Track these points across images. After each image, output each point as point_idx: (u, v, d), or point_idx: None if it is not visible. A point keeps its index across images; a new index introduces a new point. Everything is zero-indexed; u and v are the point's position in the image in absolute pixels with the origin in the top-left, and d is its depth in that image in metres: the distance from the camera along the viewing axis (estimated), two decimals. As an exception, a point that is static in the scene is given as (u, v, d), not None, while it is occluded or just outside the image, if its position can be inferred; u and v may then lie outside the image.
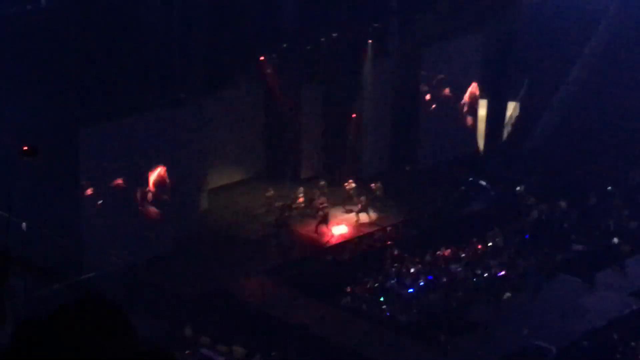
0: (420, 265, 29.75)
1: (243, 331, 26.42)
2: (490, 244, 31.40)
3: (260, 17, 31.46)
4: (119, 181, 28.19)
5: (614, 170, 35.66)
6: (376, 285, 28.74)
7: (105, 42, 27.69)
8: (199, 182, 31.33)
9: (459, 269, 29.72)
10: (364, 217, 32.34)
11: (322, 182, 32.87)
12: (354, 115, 34.50)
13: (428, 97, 35.92)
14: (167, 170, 29.07)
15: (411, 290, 28.48)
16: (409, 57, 35.15)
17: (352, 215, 32.41)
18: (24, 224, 27.10)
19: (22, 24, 27.34)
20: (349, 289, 28.59)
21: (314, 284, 28.79)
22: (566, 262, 30.80)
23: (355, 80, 34.33)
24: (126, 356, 4.67)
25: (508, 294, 28.76)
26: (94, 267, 27.09)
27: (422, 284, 28.84)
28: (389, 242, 31.12)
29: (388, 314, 27.81)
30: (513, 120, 39.12)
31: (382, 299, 28.20)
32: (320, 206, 31.64)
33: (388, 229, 31.95)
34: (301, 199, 32.18)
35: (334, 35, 33.56)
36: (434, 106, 36.24)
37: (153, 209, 29.09)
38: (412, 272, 29.29)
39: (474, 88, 36.96)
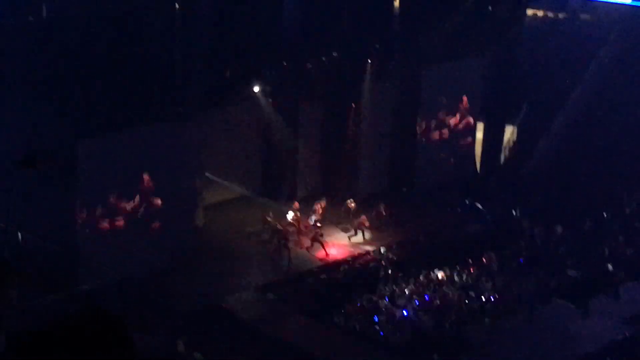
0: (414, 286, 29.72)
1: (236, 348, 26.36)
2: (484, 267, 31.38)
3: (261, 34, 31.56)
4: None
5: (610, 195, 35.73)
6: (370, 305, 28.70)
7: (106, 55, 27.76)
8: (196, 198, 31.32)
9: (453, 291, 29.68)
10: (359, 237, 32.39)
11: (322, 201, 32.85)
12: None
13: (425, 122, 36.09)
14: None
15: (405, 310, 28.43)
16: (408, 78, 35.25)
17: (348, 234, 32.46)
18: (19, 234, 27.15)
19: (24, 35, 27.43)
20: (342, 309, 28.55)
21: (308, 302, 28.78)
22: (560, 287, 30.76)
23: (354, 100, 34.39)
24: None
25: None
26: (89, 279, 27.09)
27: (416, 304, 28.79)
28: (384, 262, 31.10)
29: (381, 334, 27.75)
30: (510, 144, 39.21)
31: (375, 318, 28.15)
32: (315, 225, 31.71)
33: (383, 249, 31.94)
34: (295, 218, 32.18)
35: (335, 54, 33.67)
36: (433, 131, 36.36)
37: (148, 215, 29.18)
38: (406, 293, 29.27)
39: (464, 103, 37.10)
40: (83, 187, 27.62)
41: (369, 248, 32.01)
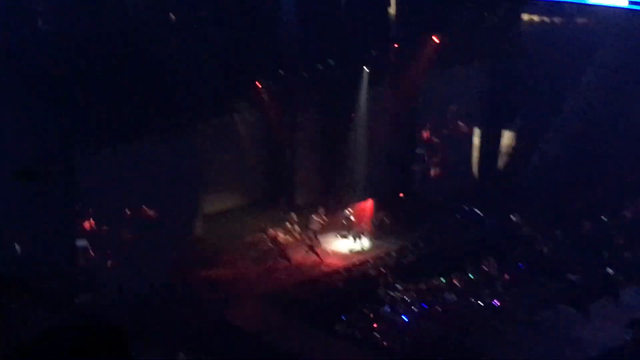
0: (414, 294, 29.69)
1: (236, 358, 26.31)
2: (484, 272, 31.35)
3: (258, 43, 31.57)
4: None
5: (610, 200, 35.72)
6: (370, 313, 28.66)
7: (105, 67, 27.77)
8: (195, 208, 31.33)
9: (454, 297, 29.65)
10: (358, 244, 32.38)
11: (321, 210, 32.83)
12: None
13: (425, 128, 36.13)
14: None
15: (405, 318, 28.40)
16: (406, 85, 35.27)
17: (347, 241, 32.46)
18: (17, 246, 27.13)
19: (21, 48, 27.43)
20: (343, 317, 28.51)
21: (309, 311, 28.74)
22: (561, 291, 30.74)
23: (352, 108, 34.41)
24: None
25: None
26: (89, 291, 27.06)
27: (416, 311, 28.76)
28: (384, 270, 31.07)
29: (382, 341, 27.71)
30: (509, 149, 39.22)
31: (376, 326, 28.11)
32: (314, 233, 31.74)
33: (383, 256, 31.92)
34: (294, 226, 32.18)
35: (332, 62, 33.69)
36: (431, 138, 36.37)
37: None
38: (407, 300, 29.23)
39: (462, 109, 37.19)
40: (82, 198, 27.62)
41: (368, 256, 31.97)
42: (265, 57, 32.03)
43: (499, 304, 29.56)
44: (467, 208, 35.01)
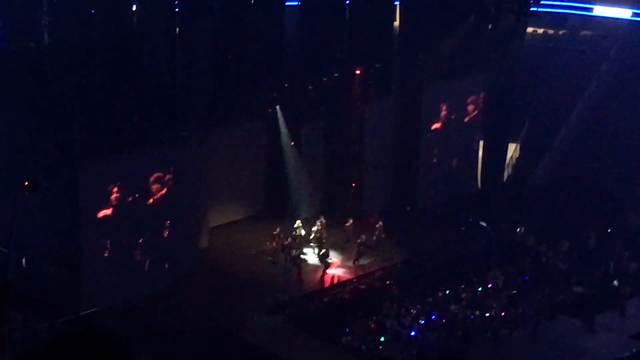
0: (420, 305, 29.64)
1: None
2: (490, 284, 31.33)
3: (263, 56, 31.66)
4: None
5: (614, 212, 35.67)
6: (376, 324, 28.62)
7: (108, 79, 27.84)
8: (200, 220, 31.30)
9: (459, 309, 29.61)
10: (363, 257, 32.32)
11: (322, 221, 32.81)
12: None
13: (428, 138, 36.10)
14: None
15: (411, 329, 28.36)
16: (410, 96, 35.28)
17: (353, 258, 32.33)
18: (23, 260, 27.11)
19: (26, 61, 27.51)
20: (349, 329, 28.47)
21: (315, 323, 28.70)
22: (566, 303, 30.71)
23: (356, 120, 34.43)
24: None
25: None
26: (93, 302, 27.04)
27: (422, 323, 28.72)
28: (389, 282, 31.04)
29: (388, 353, 27.66)
30: (514, 161, 39.20)
31: (382, 338, 28.08)
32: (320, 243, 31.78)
33: (388, 268, 31.88)
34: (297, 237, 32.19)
35: (336, 75, 33.75)
36: (435, 149, 36.39)
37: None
38: (412, 312, 29.18)
39: (466, 120, 37.19)
40: (86, 210, 27.61)
41: (374, 268, 31.92)
42: (270, 69, 32.14)
43: (503, 315, 29.52)
44: (472, 220, 34.96)
